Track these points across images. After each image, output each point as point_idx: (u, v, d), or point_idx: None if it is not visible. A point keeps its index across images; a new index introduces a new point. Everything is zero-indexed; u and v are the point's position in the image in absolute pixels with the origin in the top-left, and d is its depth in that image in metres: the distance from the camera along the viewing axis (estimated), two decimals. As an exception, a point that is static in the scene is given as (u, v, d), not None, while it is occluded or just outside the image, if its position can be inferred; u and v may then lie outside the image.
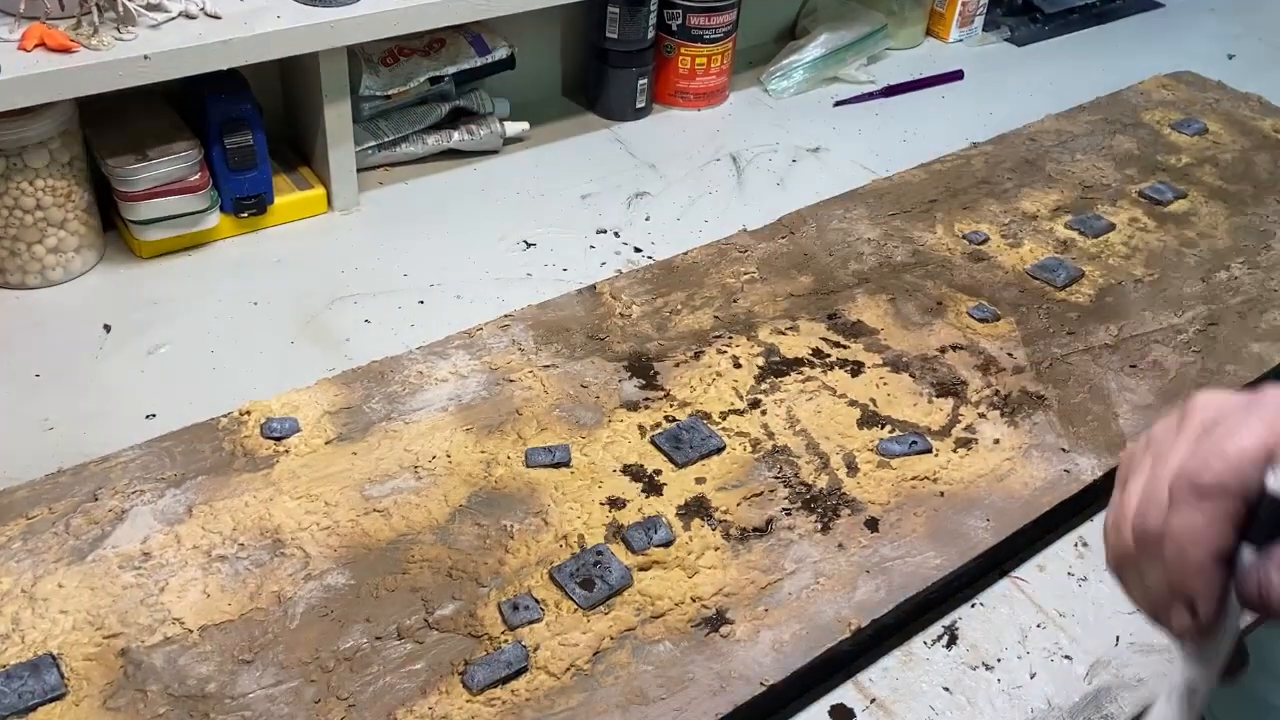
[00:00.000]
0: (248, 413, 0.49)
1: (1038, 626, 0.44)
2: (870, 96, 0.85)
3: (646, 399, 0.51)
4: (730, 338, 0.56)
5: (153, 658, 0.38)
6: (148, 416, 0.51)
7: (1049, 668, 0.42)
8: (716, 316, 0.58)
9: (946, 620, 0.44)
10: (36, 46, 0.53)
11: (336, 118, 0.64)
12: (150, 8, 0.56)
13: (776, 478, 0.48)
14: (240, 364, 0.54)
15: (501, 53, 0.72)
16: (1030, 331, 0.58)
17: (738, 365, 0.54)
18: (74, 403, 0.51)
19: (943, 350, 0.56)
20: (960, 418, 0.52)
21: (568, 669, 0.39)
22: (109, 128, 0.60)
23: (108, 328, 0.56)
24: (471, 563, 0.43)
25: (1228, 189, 0.73)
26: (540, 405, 0.51)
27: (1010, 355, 0.56)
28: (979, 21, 0.96)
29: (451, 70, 0.70)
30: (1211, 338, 0.59)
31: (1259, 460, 0.25)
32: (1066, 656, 0.43)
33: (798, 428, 0.50)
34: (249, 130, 0.61)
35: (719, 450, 0.49)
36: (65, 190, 0.58)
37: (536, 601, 0.41)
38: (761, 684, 0.39)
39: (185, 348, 0.55)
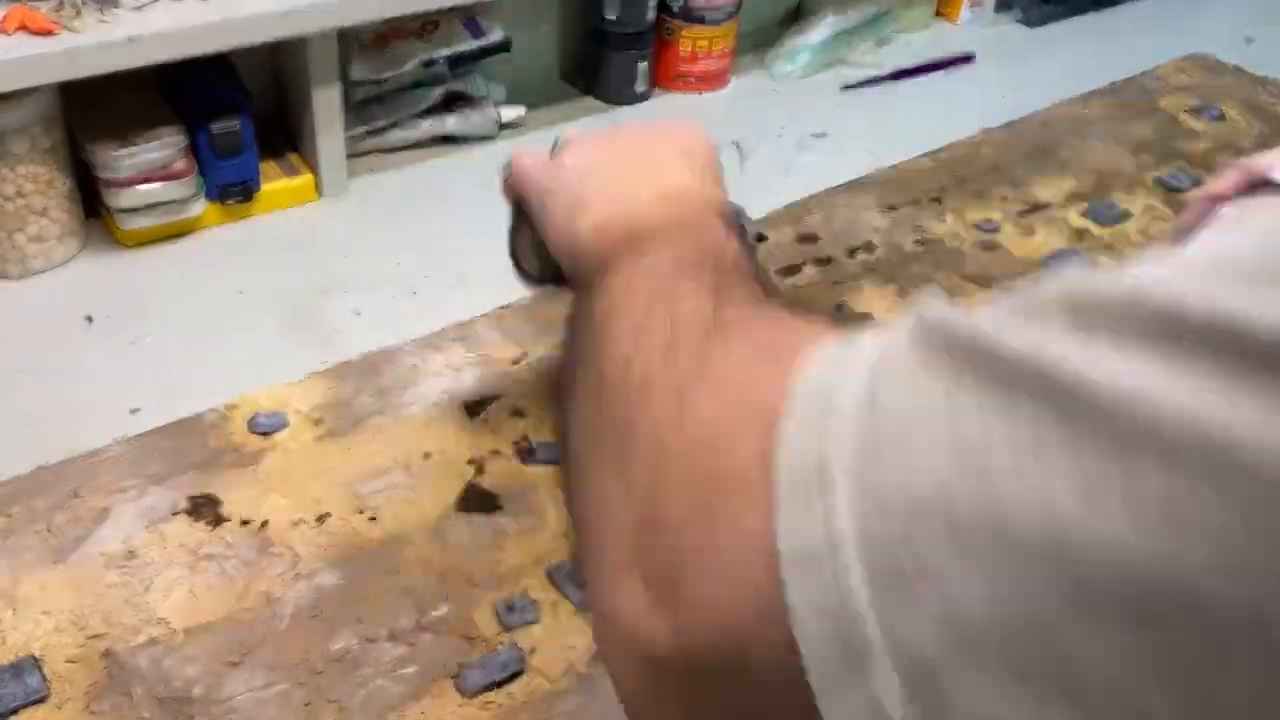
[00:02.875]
0: (234, 407, 0.47)
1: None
2: (878, 80, 0.83)
3: (646, 393, 0.50)
4: (733, 329, 0.55)
5: (137, 660, 0.37)
6: (131, 411, 0.49)
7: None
8: (718, 307, 0.56)
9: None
10: (17, 29, 0.52)
11: (326, 102, 0.62)
12: (133, -12, 0.55)
13: (780, 474, 0.46)
14: (227, 356, 0.53)
15: (497, 35, 0.70)
16: (1042, 323, 0.57)
17: (740, 358, 0.53)
18: (55, 396, 0.50)
19: (952, 342, 0.55)
20: (970, 412, 0.50)
21: (565, 672, 0.38)
22: (92, 113, 0.58)
23: (90, 318, 0.55)
24: (465, 563, 0.42)
25: (1245, 175, 0.71)
26: (538, 400, 0.49)
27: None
28: (990, 3, 0.94)
29: (445, 53, 0.69)
30: (1229, 329, 0.57)
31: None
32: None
33: (802, 423, 0.49)
34: (235, 115, 0.59)
35: (721, 446, 0.47)
36: (47, 177, 0.56)
37: (532, 602, 0.40)
38: (764, 688, 0.38)
39: (170, 339, 0.54)
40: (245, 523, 0.43)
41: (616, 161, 0.35)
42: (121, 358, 0.53)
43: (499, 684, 0.37)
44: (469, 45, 0.69)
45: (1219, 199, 0.41)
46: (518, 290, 0.57)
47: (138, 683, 0.37)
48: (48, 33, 0.52)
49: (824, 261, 0.60)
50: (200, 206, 0.61)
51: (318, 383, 0.49)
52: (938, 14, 0.93)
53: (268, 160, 0.64)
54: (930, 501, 0.15)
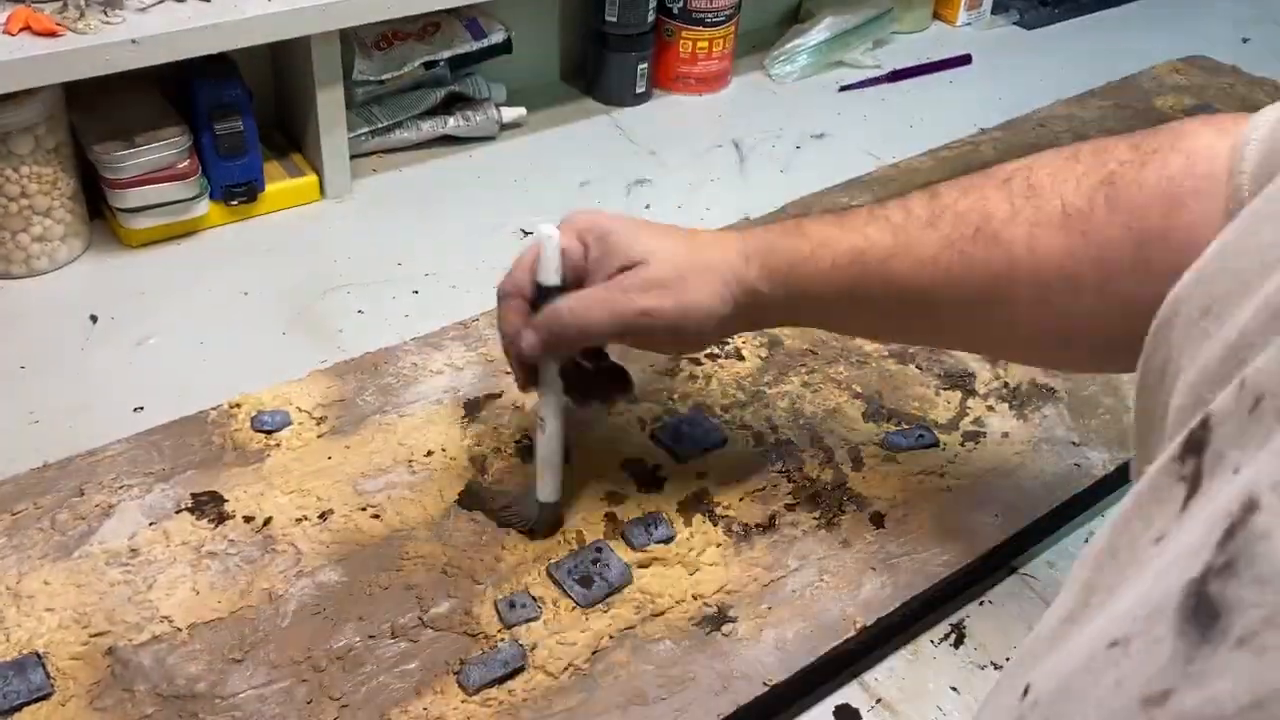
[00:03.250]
0: (238, 405, 0.48)
1: (1048, 625, 0.43)
2: (876, 81, 0.83)
3: (647, 391, 0.50)
4: (732, 328, 0.55)
5: (140, 657, 0.38)
6: (135, 409, 0.50)
7: (1059, 667, 0.41)
8: (718, 307, 0.56)
9: (954, 618, 0.43)
10: (21, 30, 0.52)
11: (329, 103, 0.63)
12: (137, -11, 0.55)
13: (780, 472, 0.47)
14: (230, 355, 0.53)
15: (498, 36, 0.71)
16: (1040, 322, 0.57)
17: (740, 357, 0.53)
18: (60, 395, 0.50)
19: (950, 341, 0.55)
20: (968, 410, 0.51)
21: (566, 668, 0.38)
22: (96, 113, 0.58)
23: (94, 318, 0.55)
24: (467, 560, 0.42)
25: (1242, 176, 0.71)
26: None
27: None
28: (987, 4, 0.94)
29: (446, 54, 0.69)
30: (1226, 328, 0.57)
31: (528, 267, 0.41)
32: (1077, 656, 0.42)
33: (801, 421, 0.49)
34: (239, 116, 0.59)
35: (721, 444, 0.48)
36: (51, 177, 0.56)
37: (534, 599, 0.40)
38: (765, 684, 0.38)
39: (174, 339, 0.54)
40: (248, 520, 0.43)
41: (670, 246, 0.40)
42: (125, 357, 0.53)
43: (500, 680, 0.38)
44: (470, 46, 0.70)
45: None
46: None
47: (141, 680, 0.37)
48: (51, 34, 0.52)
49: (823, 261, 0.61)
50: (204, 207, 0.61)
51: (320, 381, 0.50)
52: (935, 16, 0.94)
53: (271, 161, 0.64)
54: None
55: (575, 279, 0.41)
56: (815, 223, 0.40)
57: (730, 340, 0.54)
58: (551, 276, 0.40)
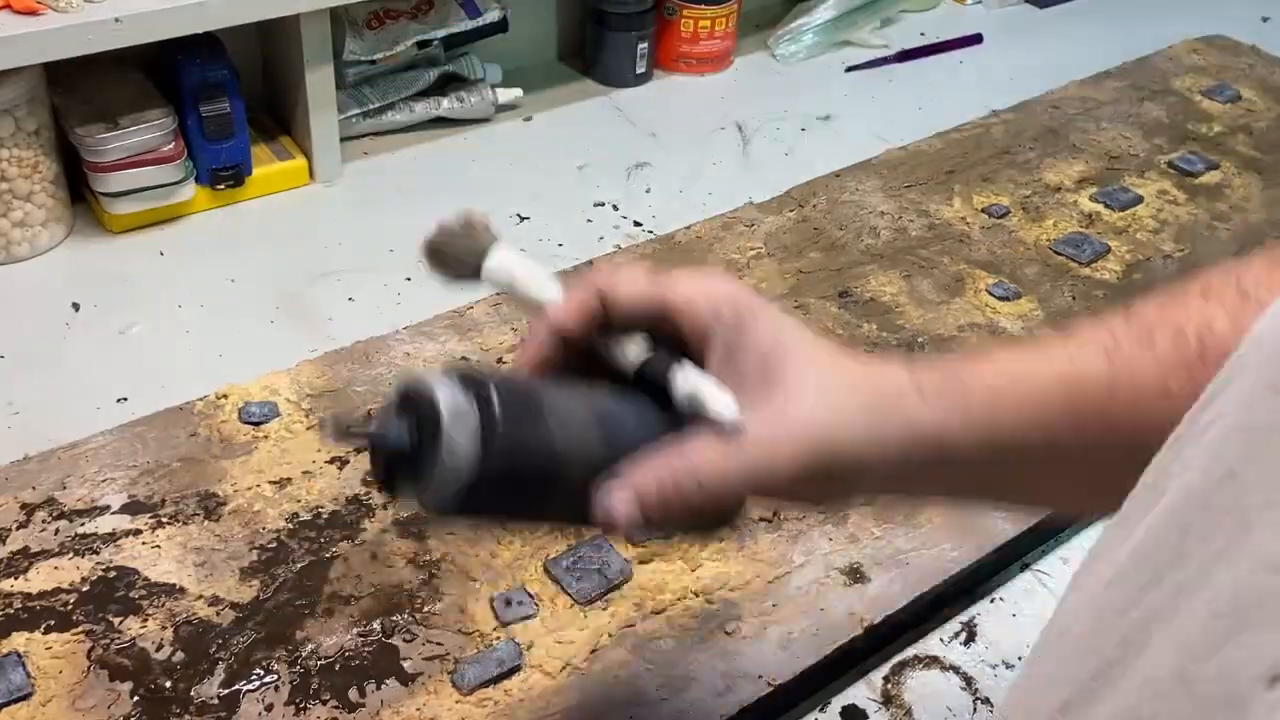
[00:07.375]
0: (224, 396, 0.46)
1: (1061, 622, 0.42)
2: (884, 61, 0.81)
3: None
4: (735, 316, 0.53)
5: (124, 656, 0.36)
6: (119, 400, 0.48)
7: (1073, 666, 0.40)
8: (721, 293, 0.55)
9: (964, 616, 0.42)
10: (1, 9, 0.50)
11: (319, 84, 0.61)
12: (118, -35, 0.53)
13: (784, 465, 0.45)
14: (216, 345, 0.52)
15: (493, 15, 0.69)
16: (1053, 310, 0.55)
17: (743, 345, 0.52)
18: (40, 385, 0.49)
19: (961, 329, 0.54)
20: (979, 400, 0.49)
21: (563, 668, 0.37)
22: (78, 95, 0.57)
23: (76, 306, 0.54)
24: (462, 555, 0.41)
25: (1262, 159, 0.69)
26: (534, 388, 0.48)
27: (1032, 335, 0.54)
28: (997, -17, 0.92)
29: (441, 33, 0.67)
30: (1245, 315, 0.56)
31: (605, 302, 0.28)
32: (1092, 654, 0.40)
33: (807, 411, 0.48)
34: (226, 97, 0.58)
35: (723, 435, 0.46)
36: (32, 161, 0.55)
37: (530, 596, 0.39)
38: (769, 683, 0.37)
39: (158, 327, 0.53)
40: (236, 514, 0.42)
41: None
42: (109, 346, 0.52)
43: (496, 680, 0.37)
44: (465, 25, 0.68)
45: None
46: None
47: (123, 680, 0.36)
48: (32, 12, 0.51)
49: (828, 246, 0.59)
50: (190, 191, 0.59)
51: (309, 371, 0.48)
52: (945, -6, 0.91)
53: (259, 144, 0.63)
54: None
55: (692, 339, 0.28)
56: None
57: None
58: (636, 356, 0.27)
